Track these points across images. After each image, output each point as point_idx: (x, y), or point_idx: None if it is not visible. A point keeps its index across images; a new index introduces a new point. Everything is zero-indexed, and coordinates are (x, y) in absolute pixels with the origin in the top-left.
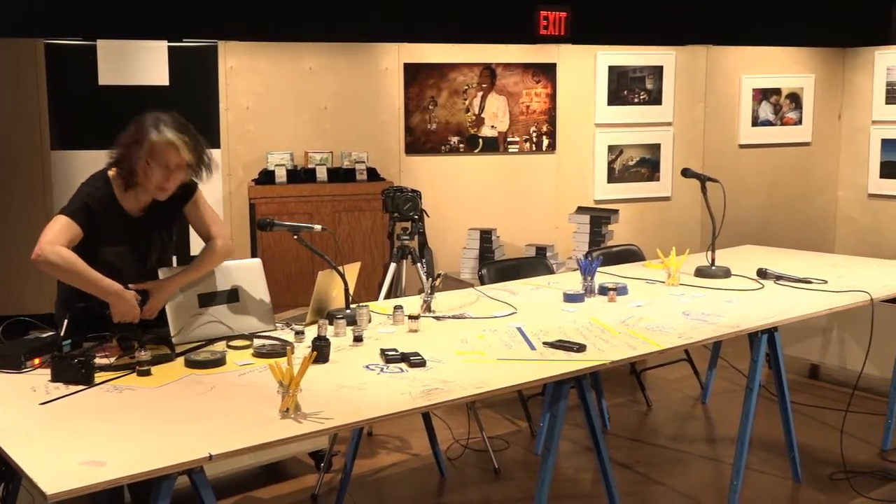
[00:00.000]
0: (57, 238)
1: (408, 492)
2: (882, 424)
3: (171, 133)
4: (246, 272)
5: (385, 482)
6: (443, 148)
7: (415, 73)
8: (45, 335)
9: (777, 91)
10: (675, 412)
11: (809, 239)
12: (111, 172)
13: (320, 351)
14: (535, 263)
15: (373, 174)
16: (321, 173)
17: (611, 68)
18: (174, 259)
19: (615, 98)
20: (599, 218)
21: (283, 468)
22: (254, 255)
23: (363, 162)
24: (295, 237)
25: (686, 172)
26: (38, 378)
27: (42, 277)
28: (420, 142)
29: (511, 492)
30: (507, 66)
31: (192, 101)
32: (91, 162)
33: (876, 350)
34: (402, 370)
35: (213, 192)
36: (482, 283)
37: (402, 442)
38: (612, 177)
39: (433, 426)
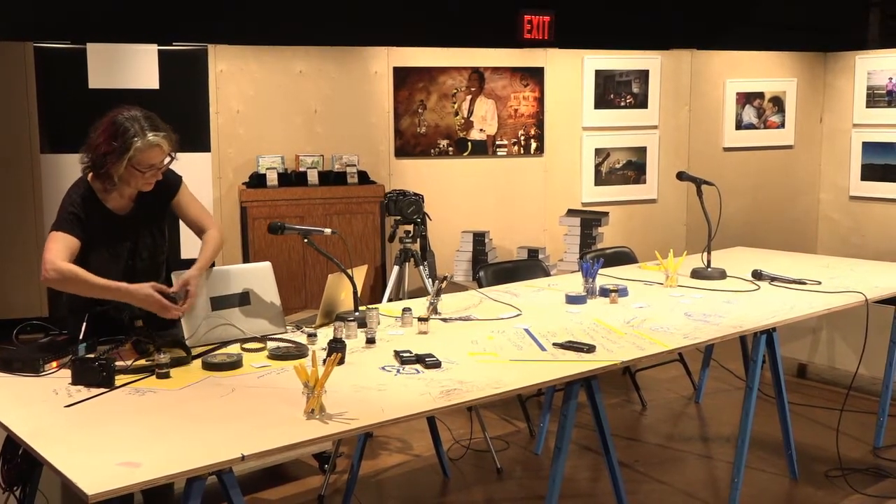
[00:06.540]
0: (56, 255)
1: (412, 492)
2: (873, 423)
3: (152, 134)
4: (257, 275)
5: (389, 483)
6: (432, 151)
7: (404, 77)
8: (59, 338)
9: (760, 95)
10: (670, 412)
11: (792, 240)
12: (90, 177)
13: (340, 353)
14: (532, 266)
15: (364, 177)
16: (312, 176)
17: (597, 72)
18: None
19: (602, 101)
20: (590, 220)
21: (286, 470)
22: (245, 257)
23: (354, 165)
24: (305, 241)
25: (682, 176)
26: (57, 381)
27: (31, 280)
28: (410, 145)
29: (515, 491)
30: (495, 69)
31: (182, 104)
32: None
33: (866, 349)
34: (417, 371)
35: (203, 195)
36: (480, 285)
37: (402, 443)
38: (599, 179)
39: (437, 427)
